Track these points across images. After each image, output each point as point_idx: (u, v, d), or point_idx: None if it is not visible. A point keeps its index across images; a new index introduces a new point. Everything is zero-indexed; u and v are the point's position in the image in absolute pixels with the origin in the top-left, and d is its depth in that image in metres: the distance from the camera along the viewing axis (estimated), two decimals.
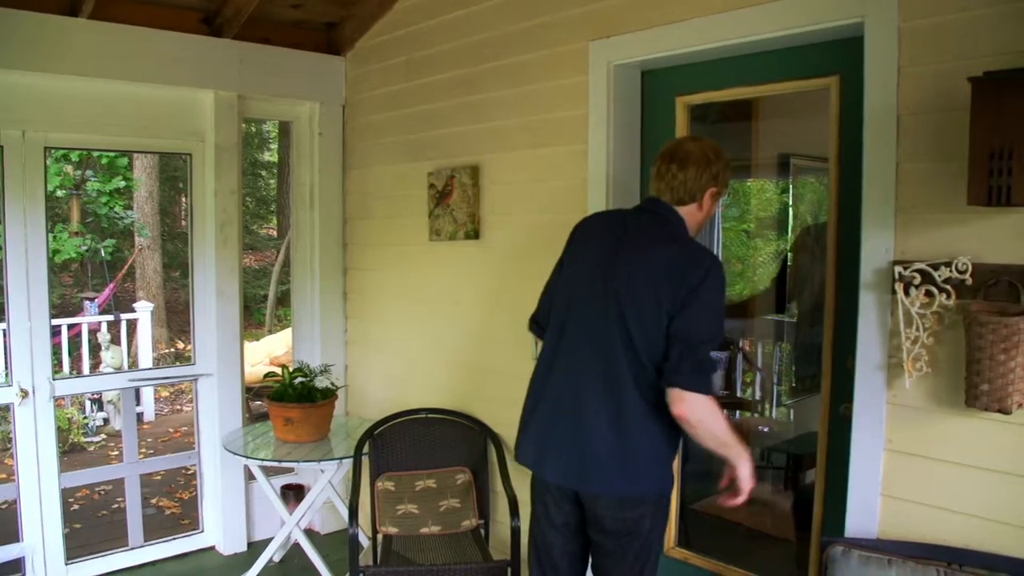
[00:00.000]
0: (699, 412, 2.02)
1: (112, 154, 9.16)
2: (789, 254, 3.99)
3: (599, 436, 2.12)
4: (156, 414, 7.25)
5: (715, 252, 3.93)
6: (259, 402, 6.17)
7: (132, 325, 7.26)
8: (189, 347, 6.67)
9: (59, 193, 8.79)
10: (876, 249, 2.16)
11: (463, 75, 3.48)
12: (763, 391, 4.28)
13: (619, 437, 2.11)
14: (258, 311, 10.88)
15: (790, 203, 3.69)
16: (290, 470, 4.15)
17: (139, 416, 6.75)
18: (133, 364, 7.16)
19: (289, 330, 5.68)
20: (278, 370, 3.79)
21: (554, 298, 2.33)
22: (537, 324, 2.43)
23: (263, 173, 13.33)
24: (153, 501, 4.88)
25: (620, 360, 2.10)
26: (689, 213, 2.20)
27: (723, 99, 2.82)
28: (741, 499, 2.14)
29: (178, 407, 7.71)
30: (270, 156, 13.46)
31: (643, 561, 2.21)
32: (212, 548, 4.03)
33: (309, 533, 3.88)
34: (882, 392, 2.16)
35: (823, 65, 2.42)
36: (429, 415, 3.54)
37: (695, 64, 2.76)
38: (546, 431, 2.24)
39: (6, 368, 3.74)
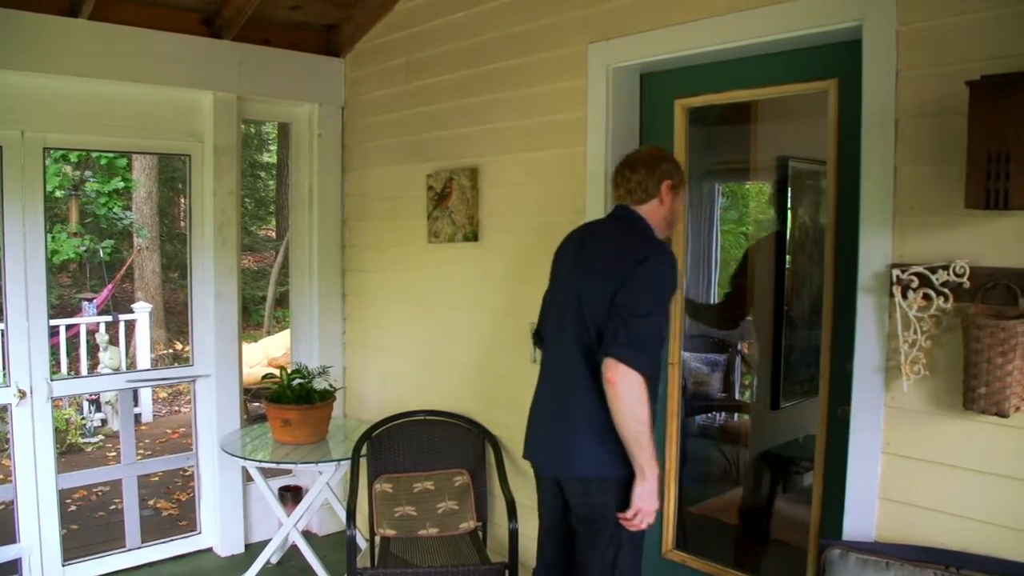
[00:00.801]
0: (624, 384, 2.10)
1: (111, 155, 9.16)
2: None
3: (564, 426, 2.30)
4: (154, 415, 7.25)
5: (714, 254, 3.95)
6: (257, 403, 6.18)
7: (130, 326, 7.25)
8: (187, 348, 6.67)
9: (58, 194, 8.78)
10: (874, 252, 2.16)
11: (462, 77, 3.48)
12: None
13: (579, 426, 2.25)
14: (256, 312, 10.87)
15: (788, 206, 3.70)
16: (288, 472, 4.15)
17: (137, 417, 6.74)
18: (131, 365, 7.15)
19: (287, 331, 5.68)
20: (276, 371, 3.79)
21: (544, 311, 2.55)
22: (537, 336, 2.62)
23: (262, 174, 13.32)
24: (151, 502, 4.87)
25: (579, 353, 2.26)
26: (652, 209, 2.35)
27: (722, 102, 2.83)
28: (630, 514, 2.20)
29: (176, 408, 7.70)
30: (269, 157, 13.46)
31: (615, 549, 2.26)
32: (210, 550, 4.03)
33: (307, 535, 3.88)
34: (880, 395, 2.16)
35: (822, 68, 2.42)
36: (427, 417, 3.54)
37: (694, 67, 2.77)
38: (536, 427, 2.46)
39: (4, 369, 3.74)
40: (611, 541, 2.25)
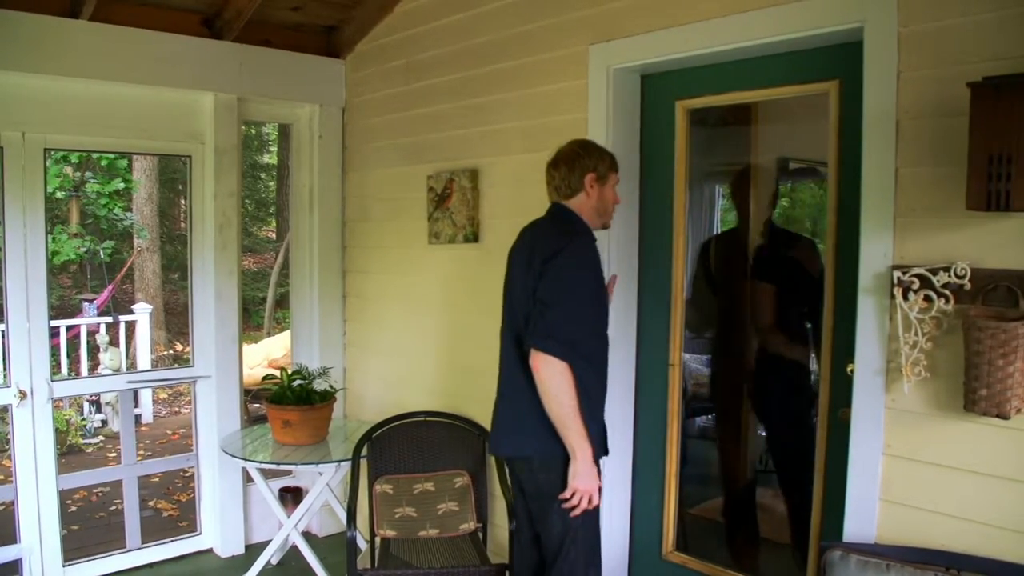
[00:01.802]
0: (544, 370, 2.25)
1: (111, 156, 9.15)
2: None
3: (504, 406, 2.50)
4: (154, 416, 7.24)
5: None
6: (257, 404, 6.17)
7: (131, 327, 7.25)
8: (187, 349, 6.67)
9: (58, 195, 8.79)
10: (875, 254, 2.16)
11: (463, 78, 3.48)
12: None
13: (521, 408, 2.39)
14: (257, 313, 10.87)
15: (789, 207, 3.70)
16: (288, 473, 4.15)
17: (137, 418, 6.74)
18: (131, 366, 7.15)
19: (288, 333, 5.68)
20: (276, 372, 3.79)
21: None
22: None
23: (262, 175, 13.32)
24: (151, 503, 4.87)
25: (513, 343, 2.43)
26: (580, 203, 2.48)
27: (723, 103, 2.83)
28: (568, 494, 2.29)
29: (176, 409, 7.70)
30: (269, 158, 13.46)
31: (564, 524, 2.34)
32: (210, 550, 4.02)
33: (307, 536, 3.88)
34: (881, 397, 2.16)
35: (823, 70, 2.43)
36: (427, 418, 3.54)
37: (695, 68, 2.77)
38: (493, 416, 2.60)
39: (4, 369, 3.74)
40: (560, 517, 2.34)
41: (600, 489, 2.35)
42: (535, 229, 2.53)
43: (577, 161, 2.46)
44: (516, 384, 2.41)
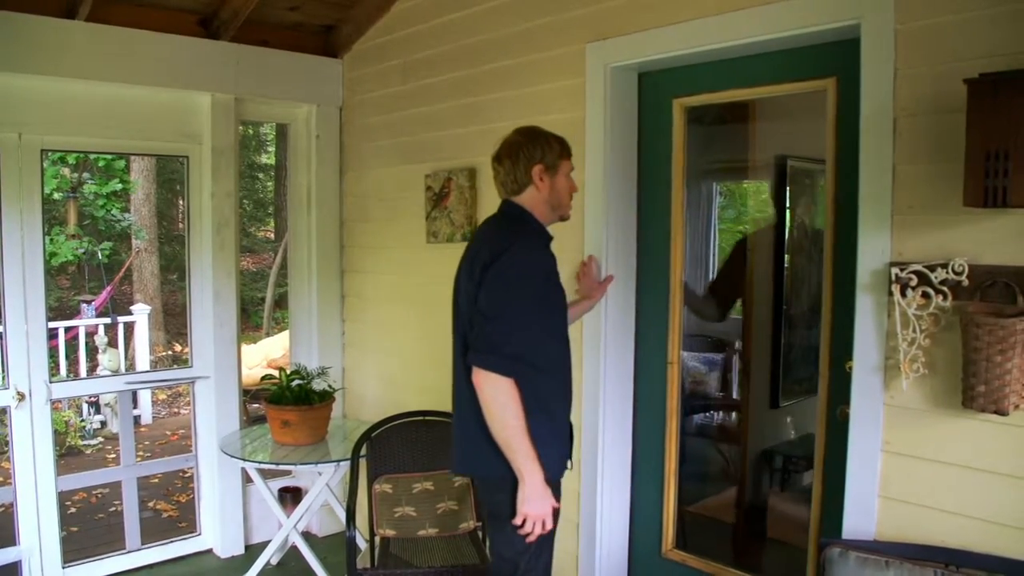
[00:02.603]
0: (486, 389, 2.09)
1: (109, 157, 9.15)
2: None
3: (461, 426, 2.27)
4: (153, 417, 7.24)
5: (712, 253, 3.94)
6: (256, 405, 6.18)
7: (129, 328, 7.24)
8: (186, 350, 6.66)
9: (56, 196, 8.78)
10: (873, 250, 2.16)
11: (460, 77, 3.48)
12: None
13: (471, 425, 2.19)
14: (255, 314, 10.87)
15: (787, 205, 3.70)
16: (287, 473, 4.15)
17: (136, 419, 6.73)
18: (130, 367, 7.14)
19: (286, 333, 5.67)
20: (275, 373, 3.78)
21: None
22: None
23: (260, 176, 13.31)
24: (150, 504, 4.87)
25: (461, 356, 2.22)
26: (531, 197, 2.28)
27: (720, 101, 2.83)
28: (518, 521, 2.10)
29: (175, 410, 7.70)
30: (267, 159, 13.44)
31: (514, 546, 2.16)
32: (209, 551, 4.03)
33: (307, 536, 3.88)
34: (879, 394, 2.16)
35: (820, 67, 2.43)
36: (427, 417, 3.53)
37: (692, 66, 2.77)
38: (452, 431, 2.39)
39: (3, 371, 3.73)
40: (510, 542, 2.18)
41: (556, 511, 2.17)
42: (483, 230, 2.37)
43: (521, 153, 2.26)
44: (464, 399, 2.22)
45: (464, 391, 2.20)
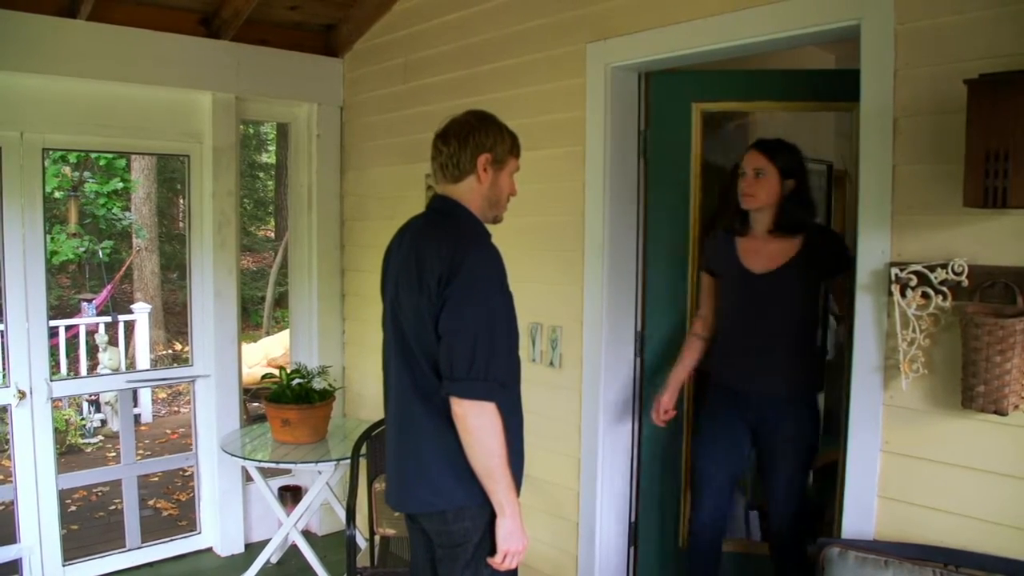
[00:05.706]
0: (476, 420, 1.88)
1: (110, 155, 9.16)
2: None
3: (404, 454, 2.06)
4: (154, 416, 7.24)
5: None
6: (257, 403, 6.18)
7: (130, 326, 7.25)
8: (187, 349, 6.67)
9: (57, 194, 8.77)
10: (872, 251, 2.16)
11: (460, 77, 3.48)
12: None
13: (420, 451, 2.01)
14: (256, 313, 10.87)
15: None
16: (287, 471, 4.15)
17: (137, 418, 6.74)
18: (131, 365, 7.14)
19: (287, 332, 5.68)
20: (276, 372, 3.78)
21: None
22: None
23: (261, 175, 13.32)
24: (150, 502, 4.87)
25: (405, 372, 2.05)
26: (469, 190, 2.08)
27: (742, 110, 2.82)
28: (499, 559, 1.97)
29: (176, 409, 7.70)
30: (268, 158, 13.45)
31: (475, 568, 2.01)
32: (209, 549, 4.03)
33: (306, 534, 3.88)
34: (879, 393, 2.16)
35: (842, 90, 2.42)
36: None
37: (707, 72, 2.76)
38: (388, 466, 2.19)
39: (3, 369, 3.74)
40: (470, 563, 2.01)
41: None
42: (419, 234, 2.08)
43: (471, 136, 2.07)
44: (412, 421, 2.02)
45: (418, 417, 2.00)
